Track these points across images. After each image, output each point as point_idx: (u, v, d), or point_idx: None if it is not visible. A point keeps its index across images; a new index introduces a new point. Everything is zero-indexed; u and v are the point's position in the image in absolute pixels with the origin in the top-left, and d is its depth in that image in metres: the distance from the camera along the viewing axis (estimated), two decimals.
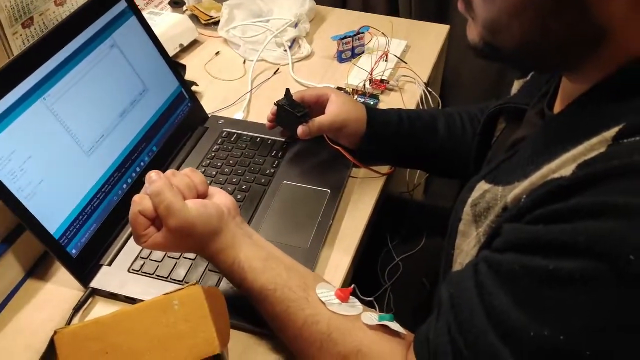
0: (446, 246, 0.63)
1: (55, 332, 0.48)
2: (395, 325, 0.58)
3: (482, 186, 0.57)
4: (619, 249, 0.37)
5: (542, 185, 0.45)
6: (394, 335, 0.57)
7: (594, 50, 0.45)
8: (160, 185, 0.57)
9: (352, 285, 0.62)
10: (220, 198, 0.64)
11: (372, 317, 0.59)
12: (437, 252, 0.98)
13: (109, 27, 0.79)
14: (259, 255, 0.61)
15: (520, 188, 0.49)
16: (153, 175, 0.59)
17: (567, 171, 0.43)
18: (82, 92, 0.73)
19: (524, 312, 0.42)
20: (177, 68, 0.92)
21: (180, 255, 0.72)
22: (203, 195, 0.63)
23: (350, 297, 0.61)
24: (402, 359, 0.54)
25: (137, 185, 0.79)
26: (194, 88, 0.99)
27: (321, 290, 0.60)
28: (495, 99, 0.77)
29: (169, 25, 1.09)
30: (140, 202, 0.58)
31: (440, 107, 1.08)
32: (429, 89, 1.04)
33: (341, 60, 1.10)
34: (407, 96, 1.01)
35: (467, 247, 0.58)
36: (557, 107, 0.56)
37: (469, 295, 0.48)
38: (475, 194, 0.57)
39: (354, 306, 0.60)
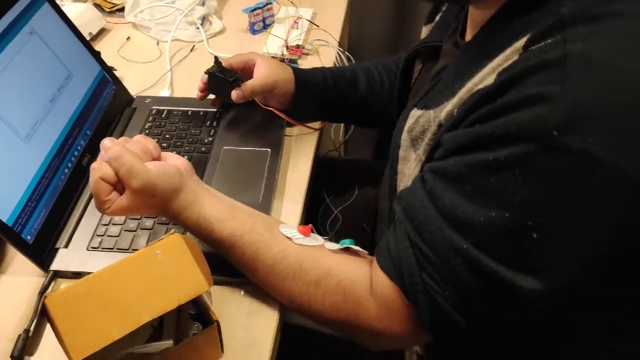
0: (389, 173, 0.69)
1: (45, 297, 0.49)
2: (357, 248, 0.63)
3: (415, 113, 0.63)
4: (544, 129, 0.44)
5: (470, 97, 0.52)
6: (358, 256, 0.63)
7: None
8: (118, 150, 0.59)
9: (310, 225, 0.67)
10: (175, 160, 0.66)
11: (334, 244, 0.64)
12: (370, 200, 1.06)
13: (25, 15, 0.77)
14: (222, 207, 0.64)
15: (450, 105, 0.55)
16: (107, 142, 0.60)
17: (489, 80, 0.50)
18: (9, 81, 0.71)
19: (472, 203, 0.48)
20: (96, 53, 0.91)
21: (138, 227, 0.73)
22: (158, 159, 0.65)
23: (311, 232, 0.66)
24: (368, 273, 0.59)
25: (79, 168, 0.79)
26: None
27: (285, 229, 0.64)
28: (404, 50, 0.84)
29: (74, 16, 1.06)
30: (100, 168, 0.59)
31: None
32: (341, 49, 1.10)
33: (254, 32, 1.14)
34: (323, 58, 1.07)
35: (408, 171, 0.64)
36: (469, 36, 0.64)
37: (421, 203, 0.53)
38: (409, 121, 0.64)
39: (317, 239, 0.65)
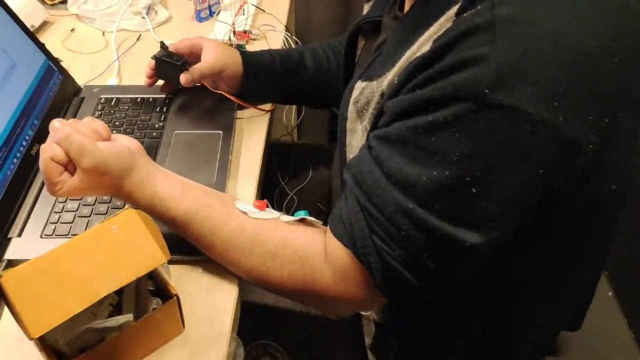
0: (339, 146, 0.71)
1: (0, 276, 0.49)
2: (312, 219, 0.65)
3: (360, 85, 0.65)
4: (476, 89, 0.47)
5: (409, 65, 0.54)
6: (313, 226, 0.65)
7: None
8: (68, 130, 0.59)
9: (265, 200, 0.68)
10: (126, 140, 0.67)
11: (289, 217, 0.66)
12: (324, 180, 1.09)
13: None
14: (175, 184, 0.65)
15: (391, 74, 0.57)
16: (56, 123, 0.60)
17: (426, 48, 0.53)
18: None
19: (415, 164, 0.51)
20: (40, 43, 0.90)
21: (92, 212, 0.73)
22: (108, 140, 0.65)
23: (267, 207, 0.68)
24: (323, 241, 0.61)
25: (28, 158, 0.78)
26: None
27: (240, 204, 0.66)
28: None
29: (16, 8, 1.04)
30: (50, 149, 0.59)
31: None
32: (289, 33, 1.12)
33: (200, 19, 1.14)
34: (271, 43, 1.08)
35: (355, 142, 0.66)
36: (407, 8, 0.67)
37: (368, 169, 0.55)
38: (355, 93, 0.66)
39: (272, 212, 0.67)
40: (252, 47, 1.07)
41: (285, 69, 0.92)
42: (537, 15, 0.47)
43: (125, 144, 0.65)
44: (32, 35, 0.88)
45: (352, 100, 0.66)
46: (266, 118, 0.93)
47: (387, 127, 0.55)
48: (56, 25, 1.14)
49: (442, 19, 0.53)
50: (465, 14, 0.50)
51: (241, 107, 0.91)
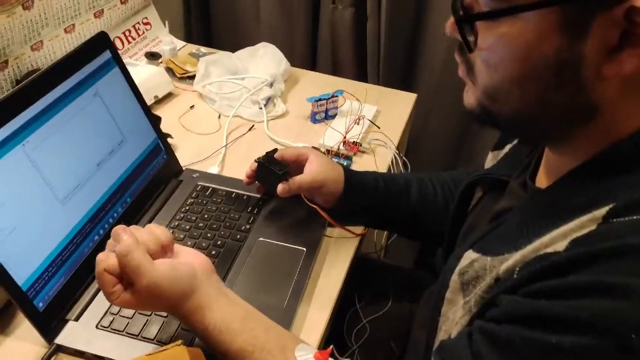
0: (431, 314, 0.63)
1: None
2: None
3: (470, 255, 0.58)
4: (621, 327, 0.39)
5: (536, 260, 0.47)
6: None
7: (584, 126, 0.48)
8: (129, 245, 0.56)
9: (331, 347, 0.61)
10: (192, 256, 0.63)
11: None
12: (403, 316, 1.00)
13: (93, 77, 0.78)
14: (236, 315, 0.60)
15: (512, 260, 0.50)
16: (120, 232, 0.58)
17: (560, 247, 0.45)
18: (61, 140, 0.72)
19: None
20: (154, 120, 0.92)
21: (152, 312, 0.69)
22: (168, 248, 0.62)
23: (330, 358, 0.60)
24: None
25: (110, 237, 0.77)
26: (168, 140, 0.98)
27: (300, 354, 0.59)
28: (462, 166, 0.80)
29: (144, 77, 1.10)
30: (106, 260, 0.57)
31: (409, 170, 1.11)
32: (399, 153, 1.07)
33: (315, 121, 1.13)
34: (378, 159, 1.04)
35: (453, 315, 0.58)
36: (541, 181, 0.59)
37: None
38: (463, 262, 0.58)
39: None
40: (359, 160, 1.04)
41: (387, 194, 0.86)
42: None
43: (190, 260, 0.62)
44: (148, 112, 0.90)
45: (457, 269, 0.59)
46: (355, 242, 0.87)
47: (497, 326, 0.47)
48: (179, 99, 1.18)
49: (585, 218, 0.45)
50: (615, 221, 0.43)
51: (332, 225, 0.86)
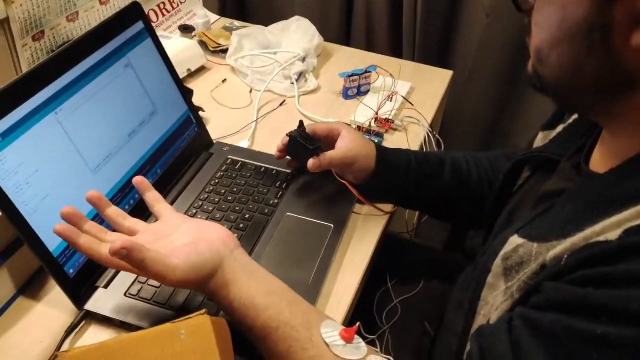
0: (470, 296, 0.62)
1: (55, 356, 0.46)
2: None
3: (515, 240, 0.56)
4: None
5: (586, 247, 0.45)
6: None
7: (629, 100, 0.46)
8: (138, 258, 0.55)
9: (357, 324, 0.60)
10: (215, 232, 0.63)
11: (378, 358, 0.57)
12: (435, 296, 0.98)
13: (125, 47, 0.78)
14: (260, 290, 0.60)
15: (560, 248, 0.48)
16: (119, 249, 0.54)
17: (612, 235, 0.43)
18: (93, 109, 0.72)
19: None
20: (186, 92, 0.91)
21: None
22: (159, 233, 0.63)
23: (355, 336, 0.60)
24: None
25: (140, 207, 0.77)
26: (200, 113, 0.98)
27: (325, 330, 0.59)
28: (497, 146, 0.77)
29: (178, 50, 1.10)
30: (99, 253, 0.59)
31: (442, 149, 1.09)
32: (432, 131, 1.05)
33: (347, 97, 1.11)
34: (411, 136, 1.02)
35: (493, 300, 0.57)
36: (596, 163, 0.56)
37: (501, 351, 0.47)
38: (507, 247, 0.56)
39: (359, 347, 0.58)
40: (390, 137, 1.02)
41: (419, 173, 0.84)
42: None
43: (213, 237, 0.62)
44: (180, 84, 0.89)
45: (502, 254, 0.57)
46: (383, 220, 0.86)
47: (540, 313, 0.46)
48: (211, 72, 1.18)
49: None
50: None
51: (360, 202, 0.85)
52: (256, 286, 0.59)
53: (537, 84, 0.53)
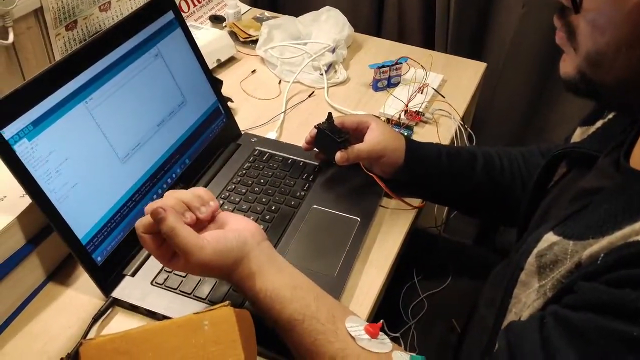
0: (502, 293, 0.60)
1: (81, 343, 0.47)
2: None
3: (550, 238, 0.54)
4: None
5: (624, 246, 0.43)
6: None
7: None
8: (170, 225, 0.55)
9: (381, 321, 0.60)
10: (243, 224, 0.63)
11: (403, 356, 0.56)
12: (463, 293, 0.96)
13: (155, 37, 0.79)
14: (286, 283, 0.59)
15: (597, 246, 0.46)
16: (160, 210, 0.55)
17: None
18: (123, 99, 0.72)
19: None
20: (215, 83, 0.91)
21: None
22: (215, 206, 0.62)
23: (380, 332, 0.59)
24: None
25: None
26: (229, 104, 0.98)
27: (350, 324, 0.58)
28: (531, 141, 0.75)
29: (208, 40, 1.10)
30: (141, 225, 0.58)
31: (474, 144, 1.07)
32: (464, 124, 1.02)
33: (376, 89, 1.10)
34: (441, 130, 1.00)
35: (525, 298, 0.56)
36: (637, 160, 0.54)
37: (531, 348, 0.46)
38: (541, 245, 0.55)
39: (384, 343, 0.58)
40: (420, 130, 1.00)
41: (450, 168, 0.83)
42: None
43: (241, 227, 0.61)
44: (209, 74, 0.89)
45: (535, 251, 0.55)
46: (411, 214, 0.84)
47: (573, 313, 0.45)
48: (241, 63, 1.18)
49: None
50: None
51: (388, 196, 0.84)
52: (282, 279, 0.59)
53: (583, 89, 0.50)
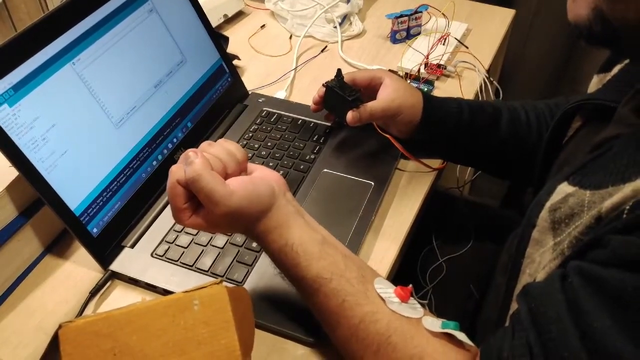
0: (513, 253, 0.55)
1: (60, 326, 0.43)
2: (461, 335, 0.50)
3: (564, 189, 0.49)
4: None
5: None
6: (459, 346, 0.50)
7: None
8: (197, 170, 0.50)
9: (410, 286, 0.55)
10: (268, 173, 0.57)
11: (434, 322, 0.51)
12: (484, 257, 0.91)
13: None
14: (314, 238, 0.54)
15: (620, 195, 0.41)
16: (190, 154, 0.51)
17: None
18: (115, 59, 0.67)
19: (631, 340, 0.37)
20: (218, 40, 0.85)
21: (208, 243, 0.66)
22: (243, 165, 0.56)
23: (410, 298, 0.54)
24: None
25: (169, 163, 0.73)
26: (235, 62, 0.92)
27: (380, 286, 0.53)
28: (563, 94, 0.68)
29: None
30: (178, 171, 0.51)
31: (500, 98, 0.99)
32: (490, 77, 0.95)
33: (395, 40, 1.02)
34: (465, 84, 0.93)
35: (539, 258, 0.51)
36: None
37: (557, 313, 0.41)
38: (555, 197, 0.50)
39: (415, 308, 0.53)
40: (442, 85, 0.93)
41: (472, 125, 0.76)
42: None
43: (266, 177, 0.56)
44: (211, 30, 0.83)
45: (548, 205, 0.50)
46: (431, 177, 0.78)
47: (604, 269, 0.40)
48: (249, 18, 1.11)
49: None
50: None
51: (405, 157, 0.78)
52: (310, 233, 0.54)
53: (598, 33, 0.45)
